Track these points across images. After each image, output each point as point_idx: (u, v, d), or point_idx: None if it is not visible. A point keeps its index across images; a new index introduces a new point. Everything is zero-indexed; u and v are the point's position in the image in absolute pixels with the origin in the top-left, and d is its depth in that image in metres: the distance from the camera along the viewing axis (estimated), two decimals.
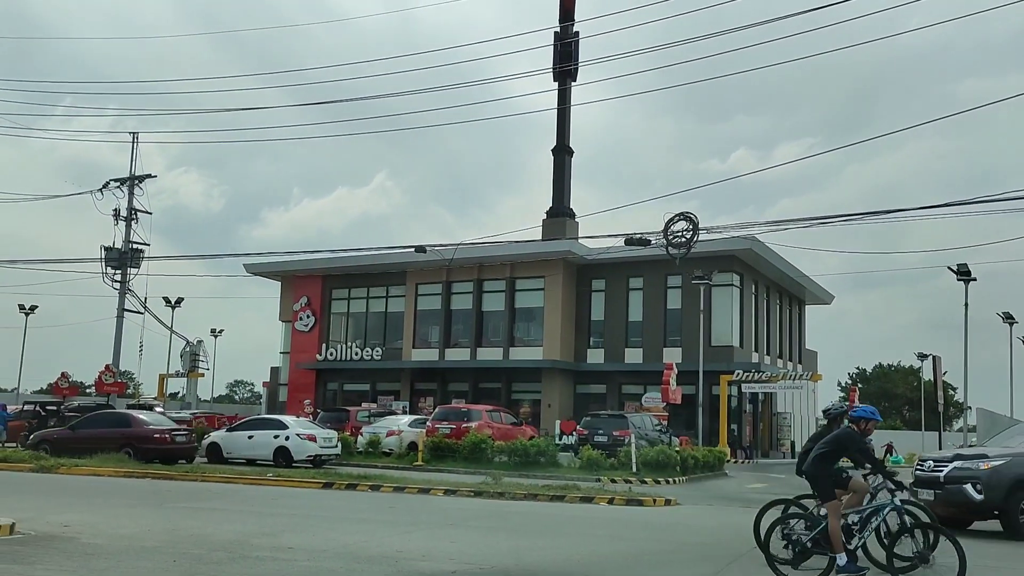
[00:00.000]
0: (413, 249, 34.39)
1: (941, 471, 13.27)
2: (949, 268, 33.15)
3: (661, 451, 24.30)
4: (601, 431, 28.83)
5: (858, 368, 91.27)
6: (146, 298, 39.74)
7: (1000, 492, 12.67)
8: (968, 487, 12.84)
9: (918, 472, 13.90)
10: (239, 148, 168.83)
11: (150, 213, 38.45)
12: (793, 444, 46.70)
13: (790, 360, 49.66)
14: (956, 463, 13.24)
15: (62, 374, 43.35)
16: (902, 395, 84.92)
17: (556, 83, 45.24)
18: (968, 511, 13.26)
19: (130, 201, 37.79)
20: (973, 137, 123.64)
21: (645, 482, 21.86)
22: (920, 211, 27.36)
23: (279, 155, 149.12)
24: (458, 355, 45.02)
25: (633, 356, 42.27)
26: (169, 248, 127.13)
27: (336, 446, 25.72)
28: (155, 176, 39.79)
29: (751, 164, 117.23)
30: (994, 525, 13.40)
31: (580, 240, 40.97)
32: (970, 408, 38.17)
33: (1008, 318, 46.67)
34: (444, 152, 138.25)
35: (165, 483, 19.29)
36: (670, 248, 32.62)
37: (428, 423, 29.34)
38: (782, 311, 48.98)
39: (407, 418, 31.62)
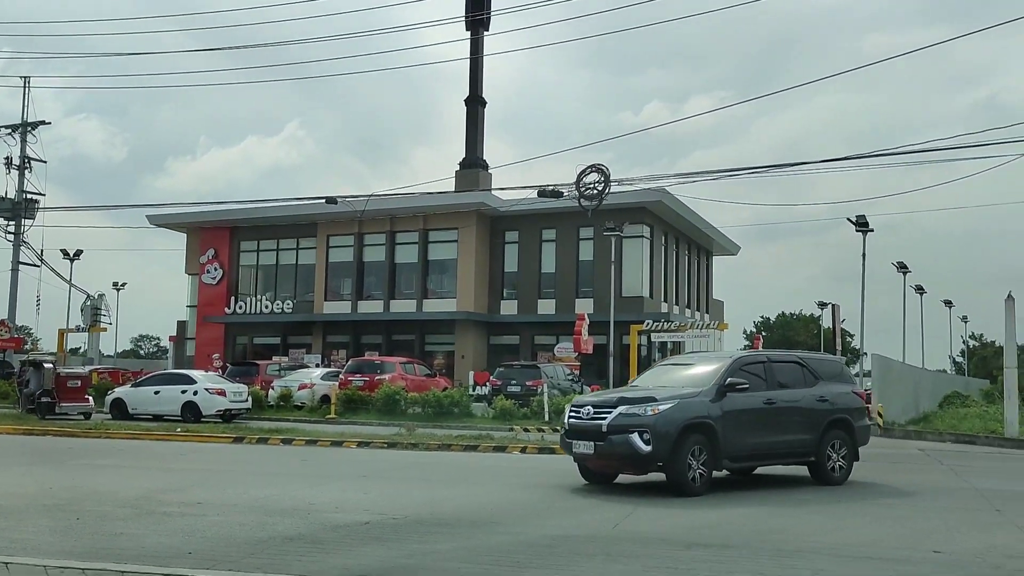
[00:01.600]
0: (324, 200, 33.84)
1: (604, 419, 11.18)
2: (848, 220, 34.25)
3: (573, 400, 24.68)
4: (514, 381, 29.15)
5: (763, 317, 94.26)
6: (43, 250, 38.24)
7: (668, 441, 10.85)
8: (635, 437, 10.86)
9: (572, 420, 11.80)
10: (142, 95, 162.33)
11: (44, 162, 36.93)
12: None
13: (698, 310, 50.86)
14: (622, 408, 11.15)
15: None
16: (803, 343, 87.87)
17: (468, 32, 44.72)
18: (633, 465, 11.41)
19: (22, 149, 36.13)
20: (877, 91, 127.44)
21: (557, 430, 22.20)
22: (823, 164, 28.01)
23: (185, 102, 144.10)
24: (371, 307, 44.73)
25: (546, 307, 42.67)
26: (69, 199, 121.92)
27: (246, 400, 25.41)
28: (49, 123, 38.09)
29: (664, 117, 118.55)
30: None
31: (493, 192, 40.94)
32: (866, 354, 39.77)
33: (902, 267, 48.65)
34: (357, 101, 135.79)
35: (67, 440, 18.76)
36: (582, 200, 32.85)
37: (341, 376, 29.19)
38: (691, 262, 50.01)
39: (319, 371, 31.39)
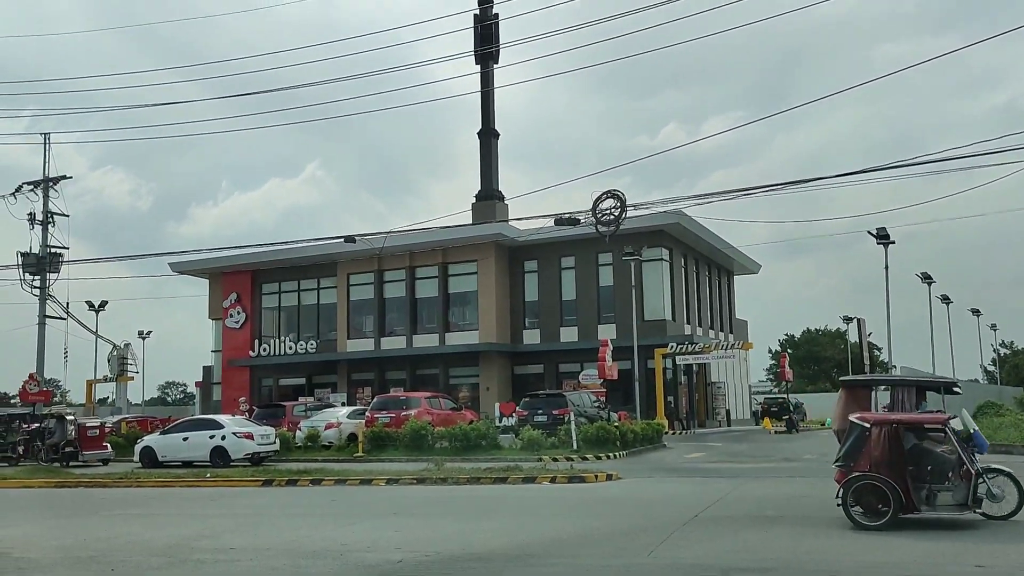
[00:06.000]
0: (343, 239, 34.06)
1: None
2: (869, 232, 34.05)
3: (600, 427, 24.58)
4: (540, 411, 28.96)
5: (787, 334, 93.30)
6: (68, 303, 38.55)
7: None
8: None
9: None
10: (165, 145, 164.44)
11: (67, 216, 37.18)
12: (728, 413, 47.66)
13: (721, 330, 50.57)
14: None
15: None
16: (830, 358, 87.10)
17: (478, 66, 45.08)
18: None
19: (45, 204, 36.53)
20: (892, 101, 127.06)
21: (586, 459, 22.09)
22: (841, 177, 27.73)
23: (207, 150, 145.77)
24: (394, 343, 44.78)
25: (568, 335, 42.57)
26: (95, 251, 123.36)
27: (274, 443, 25.43)
28: (70, 177, 38.37)
29: (681, 138, 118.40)
30: None
31: (510, 222, 41.02)
32: (895, 367, 39.35)
33: (926, 278, 48.20)
34: (374, 140, 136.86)
35: (99, 491, 18.83)
36: (599, 226, 32.82)
37: (367, 413, 29.15)
38: (711, 282, 49.80)
39: (345, 410, 31.36)
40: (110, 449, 27.50)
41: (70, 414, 28.29)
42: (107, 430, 29.13)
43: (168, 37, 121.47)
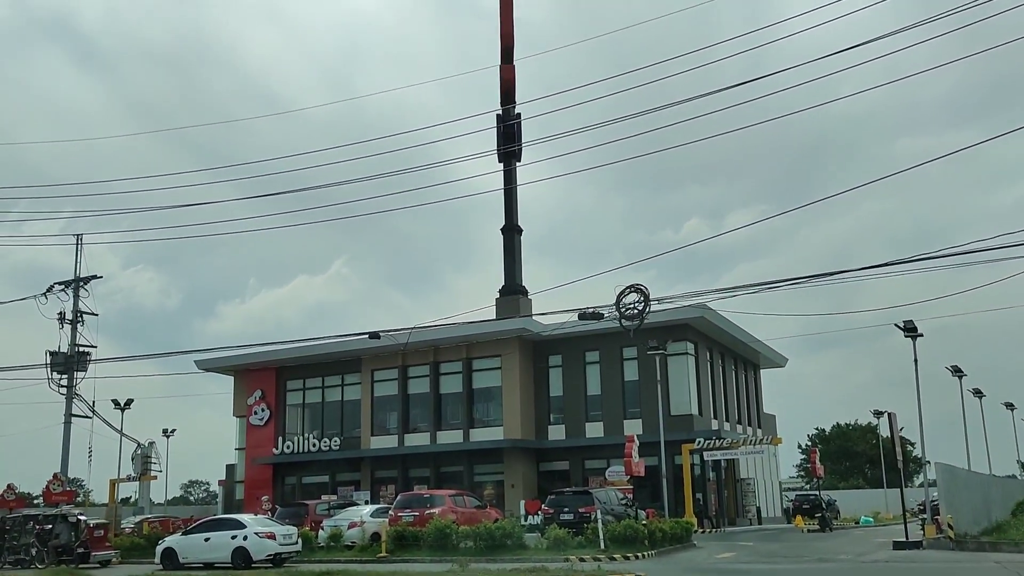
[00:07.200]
0: (367, 336, 34.19)
1: None
2: (896, 325, 33.68)
3: (628, 525, 24.07)
4: (567, 509, 28.39)
5: (817, 429, 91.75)
6: (94, 401, 38.71)
7: None
8: None
9: None
10: (194, 244, 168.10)
11: (96, 315, 37.74)
12: (759, 510, 46.52)
13: (749, 425, 49.81)
14: None
15: (8, 486, 41.77)
16: (862, 453, 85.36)
17: (501, 164, 45.86)
18: None
19: (75, 304, 37.13)
20: (916, 194, 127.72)
21: (614, 558, 21.56)
22: (867, 270, 27.57)
23: (236, 249, 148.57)
24: (418, 440, 44.42)
25: (594, 430, 42.07)
26: (123, 349, 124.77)
27: (296, 542, 25.04)
28: (100, 277, 39.04)
29: (704, 233, 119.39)
30: None
31: (535, 317, 41.10)
32: (929, 463, 38.39)
33: (957, 371, 47.40)
34: (398, 236, 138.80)
35: None
36: (623, 320, 32.81)
37: (390, 512, 28.76)
38: (738, 377, 49.31)
39: (369, 508, 30.96)
40: (113, 550, 28.04)
41: (79, 514, 28.43)
42: (114, 532, 30.39)
43: (200, 140, 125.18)
